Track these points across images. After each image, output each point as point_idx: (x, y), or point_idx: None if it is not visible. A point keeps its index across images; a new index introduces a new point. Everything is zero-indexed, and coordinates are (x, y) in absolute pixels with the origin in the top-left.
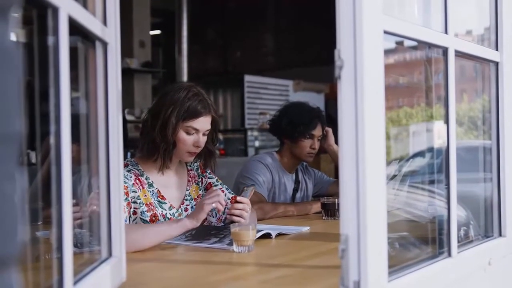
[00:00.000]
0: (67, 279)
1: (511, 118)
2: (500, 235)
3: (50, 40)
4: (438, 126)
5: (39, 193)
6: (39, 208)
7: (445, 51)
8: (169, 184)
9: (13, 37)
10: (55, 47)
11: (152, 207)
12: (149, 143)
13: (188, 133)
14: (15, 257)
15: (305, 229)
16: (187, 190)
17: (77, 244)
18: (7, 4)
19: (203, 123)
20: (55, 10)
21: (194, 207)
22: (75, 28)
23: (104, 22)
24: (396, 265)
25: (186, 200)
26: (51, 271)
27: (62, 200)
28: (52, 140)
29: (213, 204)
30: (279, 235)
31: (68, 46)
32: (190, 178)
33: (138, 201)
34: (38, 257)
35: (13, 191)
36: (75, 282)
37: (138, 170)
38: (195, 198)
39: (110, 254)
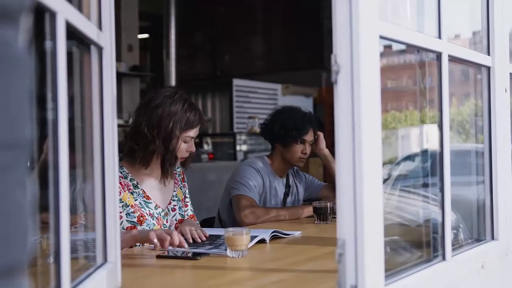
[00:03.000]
0: (64, 285)
1: (502, 121)
2: (492, 238)
3: (47, 44)
4: (427, 130)
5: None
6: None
7: (438, 55)
8: (155, 185)
9: (23, 43)
10: (53, 51)
11: (138, 208)
12: (149, 154)
13: (185, 142)
14: (26, 263)
15: (297, 233)
16: (174, 191)
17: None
18: (18, 11)
19: (197, 131)
20: (53, 15)
21: (181, 207)
22: (71, 33)
23: (99, 27)
24: (392, 269)
25: (174, 200)
26: (44, 277)
27: (59, 205)
28: (50, 144)
29: (155, 240)
30: (274, 238)
31: (66, 51)
32: (176, 180)
33: (121, 203)
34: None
35: (24, 198)
36: None
37: (121, 173)
38: (181, 200)
39: (105, 259)
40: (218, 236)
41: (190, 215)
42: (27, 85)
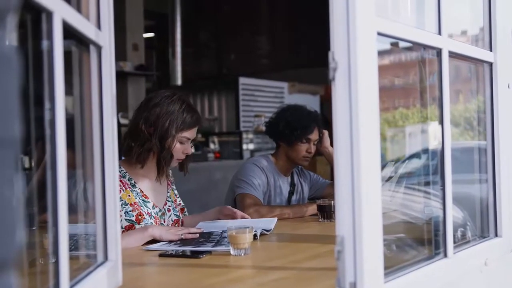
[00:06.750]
0: (63, 283)
1: (505, 118)
2: (496, 235)
3: (44, 44)
4: (434, 127)
5: (34, 198)
6: (34, 213)
7: (439, 52)
8: (151, 186)
9: (11, 41)
10: (50, 51)
11: (137, 207)
12: (145, 152)
13: (181, 142)
14: (14, 260)
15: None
16: (168, 192)
17: (71, 247)
18: (5, 8)
19: (194, 132)
20: (49, 14)
21: (175, 208)
22: (69, 32)
23: (98, 26)
24: (392, 266)
25: (168, 201)
26: (45, 276)
27: (57, 204)
28: (47, 144)
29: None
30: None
31: (63, 50)
32: (169, 182)
33: (120, 202)
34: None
35: (12, 195)
36: (71, 286)
37: (120, 172)
38: (174, 201)
39: (106, 258)
40: (211, 233)
41: (174, 219)
42: (15, 84)
